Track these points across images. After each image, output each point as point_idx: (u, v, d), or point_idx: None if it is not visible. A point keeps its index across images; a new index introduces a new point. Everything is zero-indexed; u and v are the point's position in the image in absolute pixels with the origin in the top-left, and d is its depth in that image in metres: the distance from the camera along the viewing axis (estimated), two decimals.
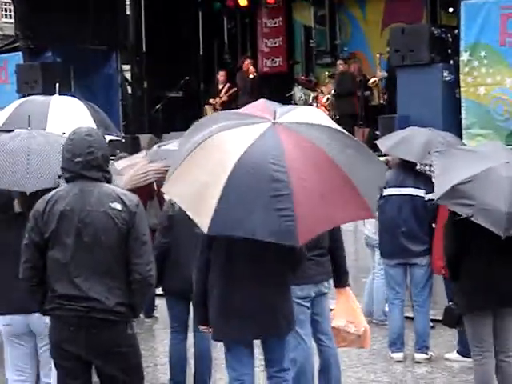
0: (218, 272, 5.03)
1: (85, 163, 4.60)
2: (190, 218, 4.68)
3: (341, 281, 6.33)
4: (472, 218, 5.67)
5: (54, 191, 4.70)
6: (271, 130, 4.66)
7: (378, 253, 8.86)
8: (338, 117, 15.11)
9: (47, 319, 4.76)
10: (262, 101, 5.11)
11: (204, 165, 4.66)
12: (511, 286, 5.98)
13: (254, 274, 4.97)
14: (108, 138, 7.69)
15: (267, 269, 4.98)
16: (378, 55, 15.01)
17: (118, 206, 4.55)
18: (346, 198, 4.57)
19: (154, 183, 8.21)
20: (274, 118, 4.73)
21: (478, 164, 5.89)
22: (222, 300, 5.01)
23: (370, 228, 9.20)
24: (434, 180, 6.21)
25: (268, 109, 4.87)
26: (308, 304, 6.20)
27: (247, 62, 16.70)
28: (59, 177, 4.89)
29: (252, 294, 4.98)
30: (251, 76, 16.34)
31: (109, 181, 4.70)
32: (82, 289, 4.51)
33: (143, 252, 4.56)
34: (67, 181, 4.68)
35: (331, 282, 6.32)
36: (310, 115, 4.90)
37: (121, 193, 4.65)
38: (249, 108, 5.05)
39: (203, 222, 4.51)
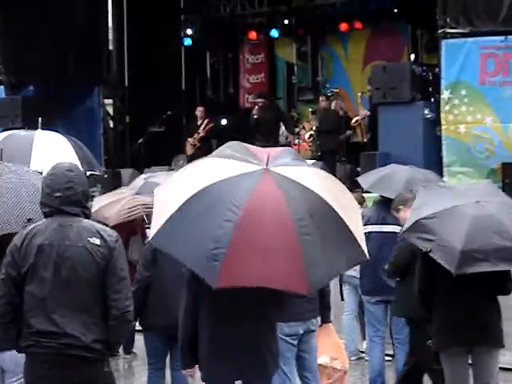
0: (206, 312, 4.97)
1: (64, 198, 4.58)
2: None
3: (324, 316, 6.33)
4: (430, 254, 5.73)
5: (32, 225, 4.66)
6: (257, 173, 4.62)
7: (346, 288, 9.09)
8: (319, 153, 15.18)
9: (20, 356, 4.68)
10: (283, 148, 5.12)
11: (183, 180, 4.76)
12: (484, 324, 5.99)
13: (242, 314, 4.91)
14: (89, 172, 7.68)
15: (254, 308, 4.92)
16: (359, 94, 15.11)
17: (97, 241, 4.53)
18: (287, 266, 4.45)
19: (144, 217, 8.18)
20: (267, 165, 4.65)
21: (448, 201, 5.97)
22: (213, 340, 4.96)
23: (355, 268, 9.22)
24: None
25: (276, 155, 4.80)
26: (295, 342, 6.18)
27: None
28: (29, 220, 4.85)
29: (241, 334, 4.92)
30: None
31: (87, 217, 4.67)
32: (59, 325, 4.46)
33: (121, 288, 4.53)
34: (46, 215, 4.64)
35: (319, 319, 6.30)
36: (309, 177, 4.73)
37: (100, 228, 4.63)
38: (262, 149, 4.95)
39: (152, 232, 4.56)
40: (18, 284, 4.53)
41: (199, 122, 16.57)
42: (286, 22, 17.79)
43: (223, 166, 4.70)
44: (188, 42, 18.64)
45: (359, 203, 8.94)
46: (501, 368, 6.39)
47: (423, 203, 6.05)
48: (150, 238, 4.56)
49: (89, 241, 4.52)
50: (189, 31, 18.68)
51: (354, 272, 8.90)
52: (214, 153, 5.00)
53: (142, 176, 9.25)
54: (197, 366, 5.14)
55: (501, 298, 6.16)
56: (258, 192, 4.53)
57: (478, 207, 5.91)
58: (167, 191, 4.78)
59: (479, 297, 5.97)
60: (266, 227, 4.46)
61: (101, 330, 4.50)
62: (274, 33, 18.10)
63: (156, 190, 4.84)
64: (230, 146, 4.92)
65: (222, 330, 4.94)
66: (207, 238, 4.44)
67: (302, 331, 6.18)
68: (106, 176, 13.30)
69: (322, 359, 6.30)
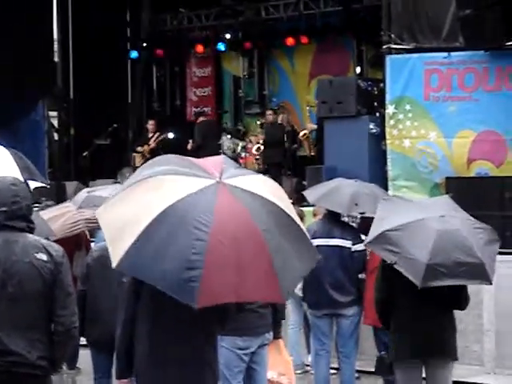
0: (145, 323, 4.94)
1: (10, 213, 4.53)
2: (106, 266, 4.60)
3: (275, 332, 6.37)
4: (396, 266, 5.77)
5: None
6: (213, 187, 4.58)
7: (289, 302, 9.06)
8: (266, 166, 15.21)
9: None
10: (221, 157, 5.05)
11: (136, 202, 4.64)
12: (440, 337, 6.05)
13: (182, 326, 4.89)
14: (33, 185, 7.59)
15: (195, 320, 4.90)
16: (307, 107, 15.20)
17: (44, 257, 4.49)
18: (261, 277, 4.45)
19: (87, 232, 8.09)
20: (220, 178, 4.62)
21: (413, 214, 6.02)
22: (151, 351, 4.93)
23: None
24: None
25: (221, 166, 4.75)
26: (246, 357, 6.20)
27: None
28: None
29: (179, 345, 4.90)
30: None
31: (32, 231, 4.62)
32: (3, 343, 4.40)
33: (68, 303, 4.50)
34: None
35: (271, 333, 6.32)
36: (260, 186, 4.75)
37: (46, 243, 4.59)
38: (204, 161, 4.91)
39: (115, 257, 4.46)
40: None
41: (150, 135, 16.56)
42: (233, 35, 17.84)
43: (175, 185, 4.62)
44: (134, 54, 18.57)
45: (300, 218, 8.98)
46: (453, 382, 6.44)
47: (386, 215, 6.09)
48: (113, 264, 4.48)
49: (35, 256, 4.48)
50: (135, 44, 18.62)
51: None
52: (156, 169, 4.80)
53: (85, 189, 9.12)
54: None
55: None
56: (219, 206, 4.50)
57: (443, 221, 5.98)
58: (115, 214, 4.66)
59: (438, 310, 6.05)
60: (236, 241, 4.45)
61: (45, 346, 4.46)
62: (221, 46, 18.13)
63: (99, 211, 4.72)
64: (169, 161, 4.82)
65: (161, 341, 4.89)
66: (180, 260, 4.39)
67: (255, 346, 6.21)
68: (48, 187, 13.10)
69: (270, 374, 6.33)
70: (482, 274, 5.89)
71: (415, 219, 5.94)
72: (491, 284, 6.09)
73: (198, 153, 15.34)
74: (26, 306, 4.45)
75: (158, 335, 4.91)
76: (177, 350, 4.88)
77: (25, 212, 4.57)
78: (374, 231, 5.99)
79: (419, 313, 5.99)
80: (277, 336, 6.36)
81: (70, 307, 4.49)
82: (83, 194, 8.64)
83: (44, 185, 8.49)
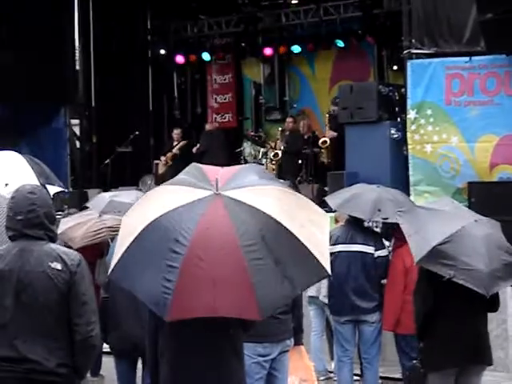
0: (166, 338, 4.91)
1: (26, 221, 4.54)
2: None
3: (296, 339, 6.33)
4: (454, 279, 5.69)
5: None
6: (208, 199, 4.54)
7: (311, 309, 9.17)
8: (283, 173, 15.21)
9: None
10: (238, 166, 5.00)
11: (138, 211, 4.71)
12: (479, 342, 6.03)
13: (202, 342, 4.85)
14: (53, 190, 7.62)
15: (216, 335, 4.83)
16: (327, 115, 15.17)
17: (58, 266, 4.49)
18: (237, 293, 4.39)
19: (109, 240, 8.10)
20: (217, 189, 4.56)
21: (451, 223, 5.94)
22: (172, 369, 4.90)
23: (323, 291, 9.23)
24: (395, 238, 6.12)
25: (229, 176, 4.71)
26: (267, 364, 6.17)
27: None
28: None
29: (205, 361, 4.86)
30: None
31: (52, 239, 4.62)
32: (20, 351, 4.42)
33: (83, 312, 4.49)
34: (11, 239, 4.60)
35: (292, 340, 6.30)
36: (262, 198, 4.61)
37: (62, 251, 4.58)
38: (217, 170, 4.86)
39: (112, 267, 4.52)
40: None
41: (174, 144, 16.67)
42: (254, 42, 17.85)
43: (174, 195, 4.63)
44: (155, 62, 18.62)
45: (336, 221, 8.98)
46: None
47: (417, 229, 5.99)
48: (109, 271, 4.54)
49: (49, 266, 4.48)
50: (156, 52, 18.69)
51: (316, 292, 8.98)
52: (172, 179, 4.93)
53: (106, 194, 9.10)
54: None
55: None
56: (205, 220, 4.46)
57: (479, 226, 5.97)
58: (125, 222, 4.74)
59: (478, 316, 6.02)
60: (213, 256, 4.41)
61: (66, 354, 4.46)
62: (241, 53, 18.15)
63: (126, 214, 4.80)
64: (187, 172, 4.84)
65: (181, 358, 4.86)
66: (158, 272, 4.41)
67: (276, 352, 6.18)
68: (66, 191, 13.11)
69: (291, 379, 6.30)
70: None
71: (457, 229, 5.86)
72: None
73: (201, 158, 15.65)
74: (42, 315, 4.46)
75: (176, 351, 4.87)
76: (195, 366, 4.83)
77: (42, 220, 4.57)
78: (420, 247, 5.85)
79: (461, 320, 5.93)
80: (298, 342, 6.32)
81: (85, 316, 4.48)
82: (104, 199, 8.64)
83: (62, 189, 8.53)
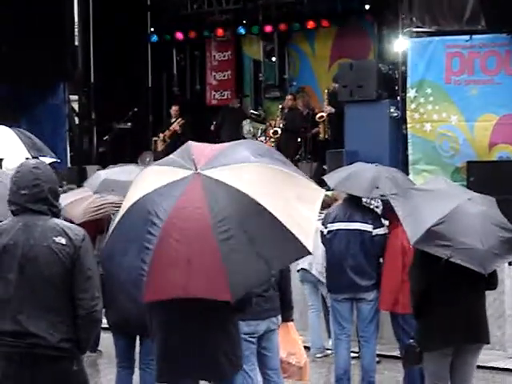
0: (159, 314, 4.94)
1: (30, 196, 4.54)
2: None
3: (285, 316, 6.34)
4: (452, 259, 5.68)
5: None
6: (186, 180, 4.55)
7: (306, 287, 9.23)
8: (282, 150, 15.18)
9: None
10: (229, 143, 4.93)
11: (130, 191, 4.77)
12: (476, 322, 6.03)
13: (195, 315, 4.87)
14: (46, 161, 7.62)
15: (208, 308, 4.83)
16: (325, 90, 15.14)
17: (63, 241, 4.49)
18: (209, 274, 4.41)
19: (112, 216, 8.07)
20: (197, 168, 4.56)
21: (444, 203, 5.92)
22: (163, 343, 4.93)
23: (316, 267, 9.26)
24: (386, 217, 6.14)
25: (213, 154, 4.69)
26: (254, 340, 6.17)
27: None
28: None
29: (192, 336, 4.88)
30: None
31: (56, 214, 4.63)
32: (24, 325, 4.43)
33: (88, 287, 4.50)
34: (13, 214, 4.61)
35: (279, 317, 6.30)
36: (244, 176, 4.57)
37: (66, 226, 4.58)
38: (203, 149, 4.85)
39: (103, 242, 4.71)
40: None
41: (172, 120, 16.65)
42: (253, 19, 17.78)
43: (159, 176, 4.65)
44: (154, 38, 18.56)
45: (335, 200, 9.02)
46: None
47: (412, 211, 5.98)
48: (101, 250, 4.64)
49: (54, 240, 4.48)
50: (155, 28, 18.61)
51: (308, 266, 9.08)
52: (161, 160, 4.98)
53: (100, 172, 9.05)
54: None
55: None
56: (182, 200, 4.48)
57: (473, 204, 5.95)
58: (125, 198, 4.82)
59: (475, 294, 6.01)
60: (187, 236, 4.43)
61: (69, 329, 4.48)
62: (241, 30, 18.09)
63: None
64: (178, 151, 4.85)
65: (173, 332, 4.88)
66: (136, 253, 4.47)
67: (261, 330, 6.19)
68: (59, 161, 13.00)
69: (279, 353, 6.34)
70: None
71: (451, 208, 5.84)
72: None
73: (218, 134, 16.11)
74: (46, 289, 4.46)
75: (169, 327, 4.90)
76: (187, 342, 4.86)
77: (47, 195, 4.57)
78: (415, 229, 5.85)
79: (458, 299, 5.93)
80: (286, 319, 6.33)
81: (89, 291, 4.49)
82: (99, 178, 8.61)
83: (55, 160, 8.53)
